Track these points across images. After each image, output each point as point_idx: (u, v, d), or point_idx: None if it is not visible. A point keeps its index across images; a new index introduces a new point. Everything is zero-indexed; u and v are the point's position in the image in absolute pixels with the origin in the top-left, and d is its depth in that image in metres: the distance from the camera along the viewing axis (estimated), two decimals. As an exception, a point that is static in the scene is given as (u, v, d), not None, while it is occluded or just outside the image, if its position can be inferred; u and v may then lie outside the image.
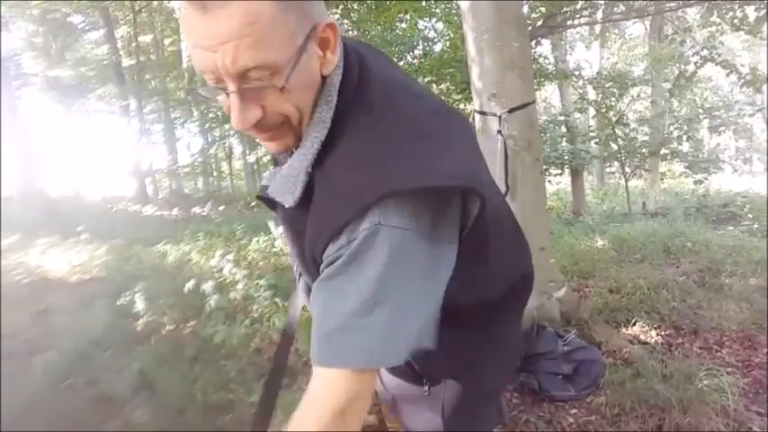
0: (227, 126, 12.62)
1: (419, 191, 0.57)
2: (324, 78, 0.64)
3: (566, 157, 9.12)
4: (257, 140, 0.70)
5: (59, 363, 2.50)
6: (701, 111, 9.58)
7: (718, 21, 7.20)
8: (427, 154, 0.59)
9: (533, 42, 7.27)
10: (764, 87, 7.45)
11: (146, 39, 15.39)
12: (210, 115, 13.81)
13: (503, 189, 2.57)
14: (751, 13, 6.45)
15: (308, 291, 0.85)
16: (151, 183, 15.23)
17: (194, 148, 17.12)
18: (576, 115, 10.79)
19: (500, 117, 2.60)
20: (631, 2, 6.87)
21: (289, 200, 0.66)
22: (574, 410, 2.15)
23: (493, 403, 0.98)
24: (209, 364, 2.45)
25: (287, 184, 0.66)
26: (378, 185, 0.56)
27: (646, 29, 13.34)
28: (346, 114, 0.63)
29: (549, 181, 9.91)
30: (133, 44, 14.09)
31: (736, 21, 6.47)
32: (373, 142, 0.60)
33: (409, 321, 0.59)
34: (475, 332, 0.81)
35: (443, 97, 7.29)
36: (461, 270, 0.66)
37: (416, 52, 7.70)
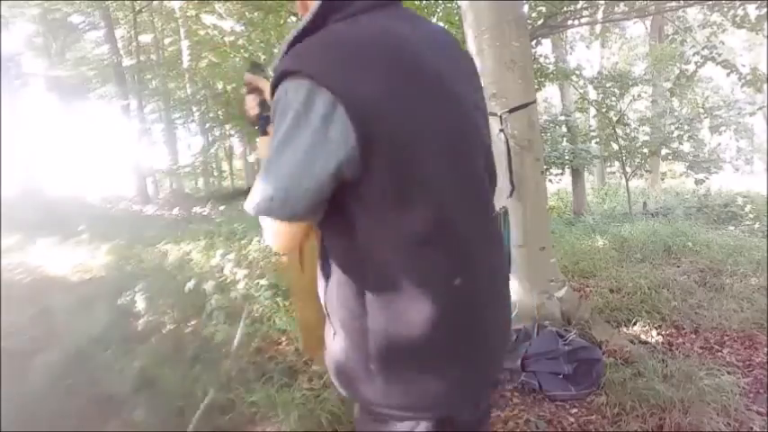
0: (227, 126, 12.62)
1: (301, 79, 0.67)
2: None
3: (566, 157, 9.12)
4: None
5: (59, 362, 2.50)
6: (701, 110, 9.54)
7: (719, 20, 7.20)
8: (331, 63, 0.68)
9: (533, 42, 7.26)
10: (765, 87, 7.44)
11: (146, 39, 15.38)
12: (211, 115, 13.81)
13: (508, 188, 2.56)
14: (752, 11, 6.45)
15: None
16: (152, 182, 15.23)
17: (195, 147, 17.12)
18: (577, 115, 10.78)
19: (501, 117, 2.60)
20: (632, 1, 6.86)
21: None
22: (574, 410, 2.15)
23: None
24: (210, 363, 2.44)
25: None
26: (283, 65, 0.70)
27: (646, 28, 13.34)
28: (319, 23, 0.75)
29: (550, 180, 9.92)
30: (133, 44, 14.07)
31: (737, 19, 6.46)
32: (309, 42, 0.73)
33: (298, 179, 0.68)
34: (371, 282, 0.74)
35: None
36: (375, 201, 0.70)
37: (417, 52, 7.69)
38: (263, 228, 0.76)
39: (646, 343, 2.75)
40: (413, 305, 0.73)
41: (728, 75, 7.27)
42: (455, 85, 0.78)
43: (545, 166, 5.13)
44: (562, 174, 10.31)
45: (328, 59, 0.69)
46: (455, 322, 0.75)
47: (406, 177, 0.70)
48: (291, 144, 0.67)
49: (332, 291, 0.79)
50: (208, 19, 11.21)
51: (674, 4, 7.42)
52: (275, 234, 0.75)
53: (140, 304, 3.12)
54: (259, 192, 0.70)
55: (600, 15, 8.55)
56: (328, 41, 0.72)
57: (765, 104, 9.61)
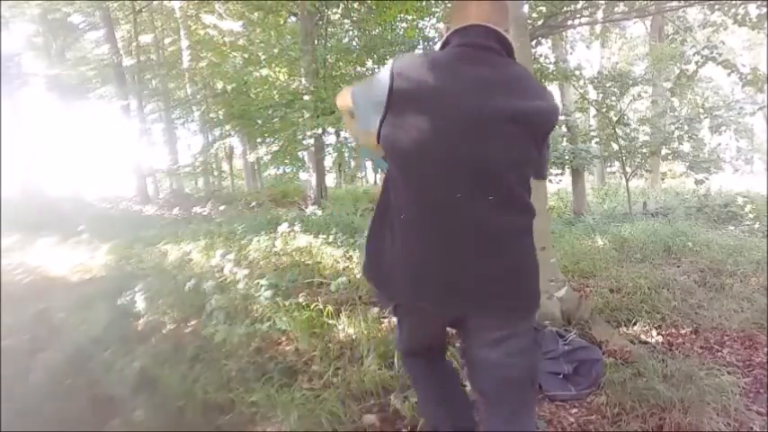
0: (227, 126, 12.63)
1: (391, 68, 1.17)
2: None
3: (566, 157, 9.11)
4: None
5: (60, 362, 2.50)
6: (701, 110, 9.53)
7: (719, 20, 7.19)
8: (417, 67, 1.17)
9: (533, 42, 7.26)
10: (765, 87, 7.43)
11: (146, 39, 15.39)
12: (211, 115, 13.82)
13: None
14: (752, 10, 6.44)
15: None
16: (152, 182, 15.23)
17: (195, 147, 17.14)
18: (577, 115, 10.78)
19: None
20: (632, 1, 6.86)
21: None
22: (574, 410, 2.15)
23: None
24: (210, 363, 2.44)
25: None
26: (398, 56, 1.23)
27: (646, 28, 13.34)
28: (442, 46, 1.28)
29: (550, 180, 9.90)
30: (133, 44, 14.08)
31: (738, 17, 6.45)
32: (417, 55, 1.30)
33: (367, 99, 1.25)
34: (390, 194, 1.20)
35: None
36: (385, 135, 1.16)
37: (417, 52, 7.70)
38: (344, 94, 1.38)
39: (646, 343, 2.75)
40: (392, 220, 1.18)
41: (729, 75, 7.26)
42: (468, 103, 1.13)
43: (545, 166, 5.08)
44: (562, 174, 10.31)
45: (408, 64, 1.17)
46: (401, 245, 1.16)
47: (396, 135, 1.15)
48: (372, 86, 1.22)
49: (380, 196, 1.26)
50: (208, 19, 11.22)
51: (674, 4, 7.42)
52: (341, 97, 1.39)
53: (140, 304, 3.12)
54: (356, 90, 1.31)
55: (600, 15, 8.54)
56: (417, 56, 1.26)
57: (765, 104, 9.60)
